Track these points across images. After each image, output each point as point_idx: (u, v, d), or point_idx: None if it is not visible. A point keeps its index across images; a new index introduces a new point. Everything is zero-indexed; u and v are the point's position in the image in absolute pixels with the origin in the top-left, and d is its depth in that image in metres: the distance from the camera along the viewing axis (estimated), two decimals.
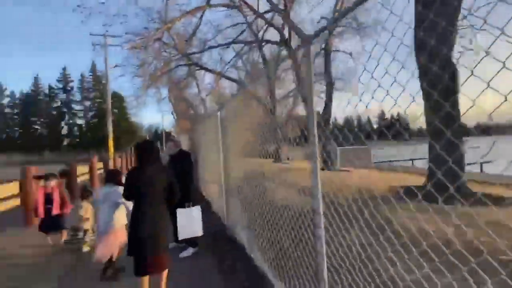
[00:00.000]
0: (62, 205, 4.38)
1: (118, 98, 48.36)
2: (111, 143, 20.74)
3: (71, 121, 58.00)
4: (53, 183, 4.42)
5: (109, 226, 2.89)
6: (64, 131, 57.81)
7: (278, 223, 2.44)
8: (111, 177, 3.05)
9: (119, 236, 2.99)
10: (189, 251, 3.71)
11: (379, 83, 1.38)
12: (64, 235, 4.17)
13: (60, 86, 57.37)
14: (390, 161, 21.77)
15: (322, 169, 8.61)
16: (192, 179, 4.03)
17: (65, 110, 57.47)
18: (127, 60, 11.64)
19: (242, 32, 12.43)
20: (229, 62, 13.25)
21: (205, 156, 6.76)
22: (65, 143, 57.42)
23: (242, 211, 3.48)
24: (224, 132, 4.59)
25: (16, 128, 57.32)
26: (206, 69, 13.62)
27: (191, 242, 3.67)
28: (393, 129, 1.63)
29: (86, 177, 9.70)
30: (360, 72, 1.66)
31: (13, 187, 5.49)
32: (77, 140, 57.09)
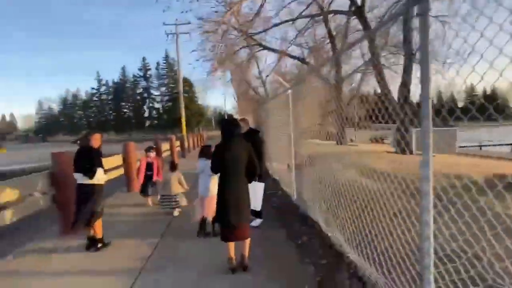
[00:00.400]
0: (158, 173, 5.25)
1: (187, 83, 52.69)
2: (183, 124, 23.13)
3: (151, 105, 66.60)
4: (153, 154, 5.26)
5: (205, 193, 3.37)
6: (146, 114, 66.81)
7: (366, 206, 2.33)
8: (204, 152, 3.48)
9: (213, 202, 3.39)
10: (258, 221, 3.98)
11: (481, 54, 1.22)
12: (158, 198, 4.88)
13: (141, 74, 65.69)
14: (485, 145, 18.22)
15: (399, 152, 7.79)
16: (261, 155, 4.17)
17: (145, 95, 65.98)
18: (200, 45, 12.42)
19: (308, 6, 11.68)
20: (294, 39, 12.73)
21: (272, 134, 6.87)
22: (147, 124, 66.53)
23: (317, 190, 3.45)
24: (294, 110, 4.54)
25: (110, 112, 69.06)
26: (269, 49, 13.49)
27: (258, 213, 3.90)
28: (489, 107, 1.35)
29: (167, 153, 11.11)
30: (451, 40, 1.46)
31: (117, 160, 6.68)
32: (156, 121, 65.42)
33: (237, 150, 2.59)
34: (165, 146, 10.51)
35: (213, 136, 40.85)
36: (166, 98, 65.13)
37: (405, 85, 9.08)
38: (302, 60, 13.46)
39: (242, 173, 2.63)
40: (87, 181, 3.22)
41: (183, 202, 4.47)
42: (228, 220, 2.55)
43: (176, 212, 4.42)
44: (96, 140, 3.42)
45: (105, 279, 2.67)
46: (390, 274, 1.82)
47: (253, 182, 3.68)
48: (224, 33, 11.21)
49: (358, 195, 2.53)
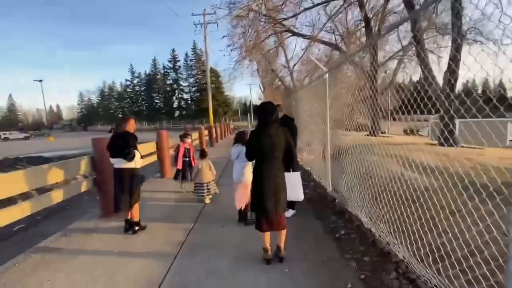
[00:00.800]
0: (194, 158, 5.26)
1: (214, 74, 53.18)
2: (211, 114, 23.47)
3: (180, 96, 68.38)
4: (189, 140, 5.26)
5: (240, 179, 3.30)
6: (175, 104, 68.89)
7: (426, 201, 2.05)
8: (239, 138, 3.39)
9: (247, 189, 3.34)
10: (290, 212, 3.82)
11: None
12: (192, 185, 4.79)
13: (170, 66, 67.48)
14: None
15: (442, 144, 7.08)
16: (296, 143, 3.97)
17: (175, 86, 67.88)
18: (230, 32, 12.27)
19: None
20: (325, 23, 12.02)
21: (303, 124, 6.60)
22: (176, 114, 68.72)
23: (359, 183, 3.19)
24: (331, 96, 4.24)
25: (143, 102, 72.35)
26: (299, 35, 12.95)
27: (290, 204, 3.74)
28: None
29: (196, 142, 11.32)
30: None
31: (151, 147, 6.88)
32: (184, 111, 67.25)
33: (275, 136, 2.42)
34: (194, 135, 10.71)
35: (239, 126, 41.07)
36: (194, 88, 66.41)
37: (455, 64, 8.11)
38: (335, 46, 12.71)
39: (280, 160, 2.48)
40: (124, 165, 3.28)
41: (214, 189, 4.47)
42: (265, 208, 2.42)
43: (207, 200, 4.44)
44: (131, 125, 3.43)
45: (143, 261, 2.71)
46: (457, 280, 1.57)
47: (290, 172, 3.55)
48: (254, 19, 10.90)
49: (410, 190, 2.25)
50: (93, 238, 3.28)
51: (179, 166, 5.07)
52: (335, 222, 3.51)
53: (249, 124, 50.62)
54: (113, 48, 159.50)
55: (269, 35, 13.41)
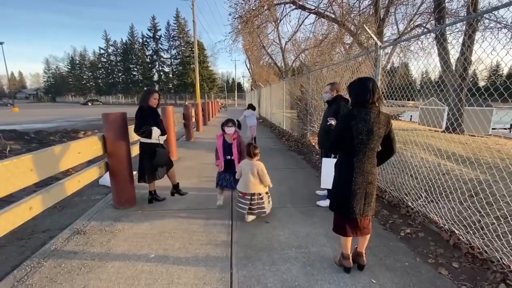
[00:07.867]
0: (241, 156, 3.37)
1: (199, 46, 50.14)
2: (198, 90, 22.12)
3: (160, 68, 64.01)
4: (231, 130, 3.37)
5: None
6: (155, 77, 64.60)
7: None
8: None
9: None
10: (326, 201, 3.57)
11: None
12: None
13: (150, 34, 62.35)
14: None
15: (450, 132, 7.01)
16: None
17: (155, 58, 63.24)
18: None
19: None
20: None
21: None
22: (156, 88, 64.80)
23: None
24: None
25: (119, 74, 67.18)
26: (304, 8, 12.02)
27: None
28: None
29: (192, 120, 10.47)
30: None
31: None
32: (165, 86, 63.48)
33: (375, 121, 1.90)
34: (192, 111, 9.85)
35: (228, 104, 39.47)
36: (176, 61, 62.26)
37: (467, 53, 7.91)
38: (341, 23, 11.97)
39: (375, 153, 2.01)
40: (144, 140, 3.38)
41: (267, 206, 3.13)
42: (352, 211, 1.99)
43: (249, 218, 3.08)
44: (154, 99, 3.38)
45: (193, 270, 2.20)
46: None
47: (329, 160, 3.11)
48: None
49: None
50: (116, 237, 2.69)
51: (220, 167, 3.42)
52: (391, 218, 3.20)
53: (235, 102, 49.08)
54: (84, 11, 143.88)
55: (276, 5, 12.31)
